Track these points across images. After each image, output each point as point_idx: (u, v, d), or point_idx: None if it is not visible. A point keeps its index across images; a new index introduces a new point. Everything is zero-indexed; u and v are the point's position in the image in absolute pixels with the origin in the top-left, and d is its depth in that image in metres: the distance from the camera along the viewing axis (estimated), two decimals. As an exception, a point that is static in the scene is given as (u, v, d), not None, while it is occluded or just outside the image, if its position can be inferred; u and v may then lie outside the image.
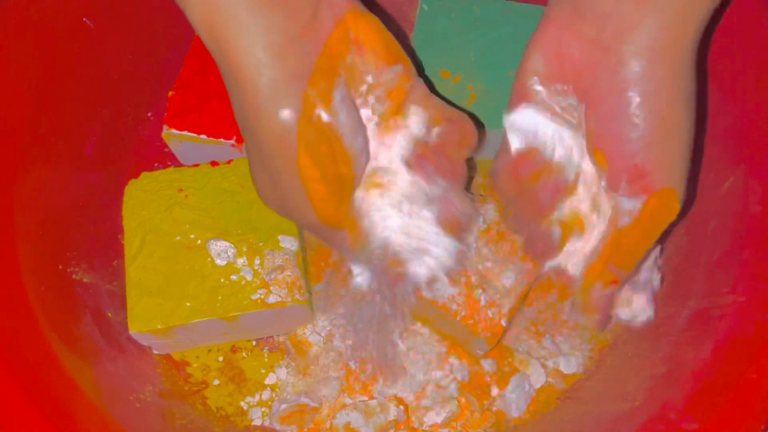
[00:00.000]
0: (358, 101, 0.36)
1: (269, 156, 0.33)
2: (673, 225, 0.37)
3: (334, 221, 0.36)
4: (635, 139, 0.35)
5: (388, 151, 0.38)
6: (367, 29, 0.35)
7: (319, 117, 0.33)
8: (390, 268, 0.40)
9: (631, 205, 0.37)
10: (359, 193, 0.38)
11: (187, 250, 0.45)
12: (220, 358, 0.49)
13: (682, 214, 0.38)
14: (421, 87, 0.38)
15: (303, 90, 0.32)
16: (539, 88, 0.38)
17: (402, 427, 0.47)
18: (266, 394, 0.48)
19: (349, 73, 0.35)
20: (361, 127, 0.36)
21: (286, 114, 0.32)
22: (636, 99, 0.34)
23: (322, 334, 0.49)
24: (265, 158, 0.34)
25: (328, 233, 0.37)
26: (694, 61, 0.35)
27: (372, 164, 0.38)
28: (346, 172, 0.35)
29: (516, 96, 0.39)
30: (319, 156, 0.33)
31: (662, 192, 0.36)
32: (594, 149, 0.37)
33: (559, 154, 0.39)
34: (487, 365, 0.48)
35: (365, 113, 0.37)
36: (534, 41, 0.38)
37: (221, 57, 0.32)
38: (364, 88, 0.36)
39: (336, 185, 0.35)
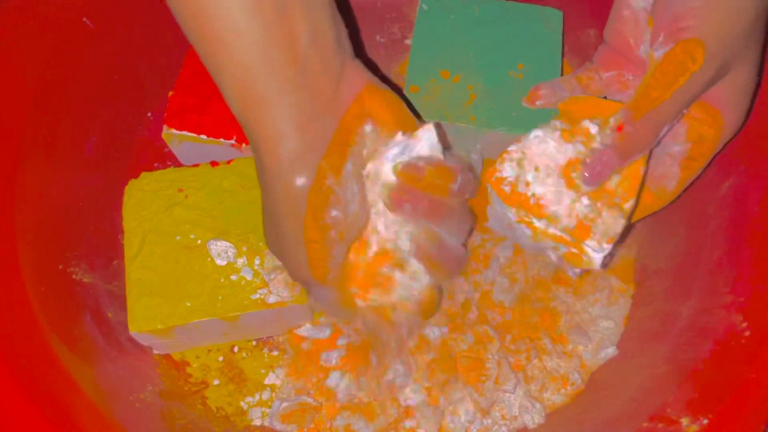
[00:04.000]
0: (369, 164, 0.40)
1: (281, 214, 0.37)
2: (698, 81, 0.37)
3: (323, 279, 0.39)
4: None
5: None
6: (381, 104, 0.38)
7: (328, 187, 0.37)
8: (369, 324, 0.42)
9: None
10: (351, 254, 0.41)
11: (187, 250, 0.45)
12: (220, 358, 0.49)
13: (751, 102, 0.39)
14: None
15: (317, 162, 0.36)
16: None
17: (402, 427, 0.47)
18: (266, 394, 0.48)
19: (363, 139, 0.39)
20: (361, 196, 0.39)
21: (300, 182, 0.36)
22: None
23: (323, 333, 0.49)
24: (276, 215, 0.38)
25: (316, 288, 0.40)
26: None
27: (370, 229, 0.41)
28: (343, 235, 0.39)
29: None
30: (322, 221, 0.37)
31: (688, 41, 0.37)
32: (649, 18, 0.39)
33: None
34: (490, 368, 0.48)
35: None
36: None
37: (250, 128, 0.35)
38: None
39: (332, 247, 0.38)
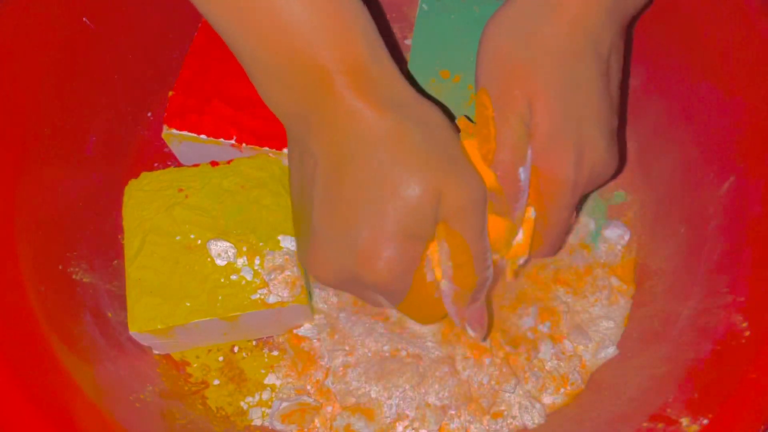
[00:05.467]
0: None
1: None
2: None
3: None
4: None
5: None
6: None
7: None
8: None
9: None
10: None
11: (187, 250, 0.45)
12: (220, 358, 0.49)
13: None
14: None
15: None
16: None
17: (402, 427, 0.47)
18: (266, 394, 0.48)
19: None
20: None
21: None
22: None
23: (322, 333, 0.49)
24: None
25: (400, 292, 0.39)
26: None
27: None
28: None
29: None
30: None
31: (477, 93, 0.40)
32: None
33: None
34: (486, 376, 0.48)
35: None
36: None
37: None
38: None
39: None
